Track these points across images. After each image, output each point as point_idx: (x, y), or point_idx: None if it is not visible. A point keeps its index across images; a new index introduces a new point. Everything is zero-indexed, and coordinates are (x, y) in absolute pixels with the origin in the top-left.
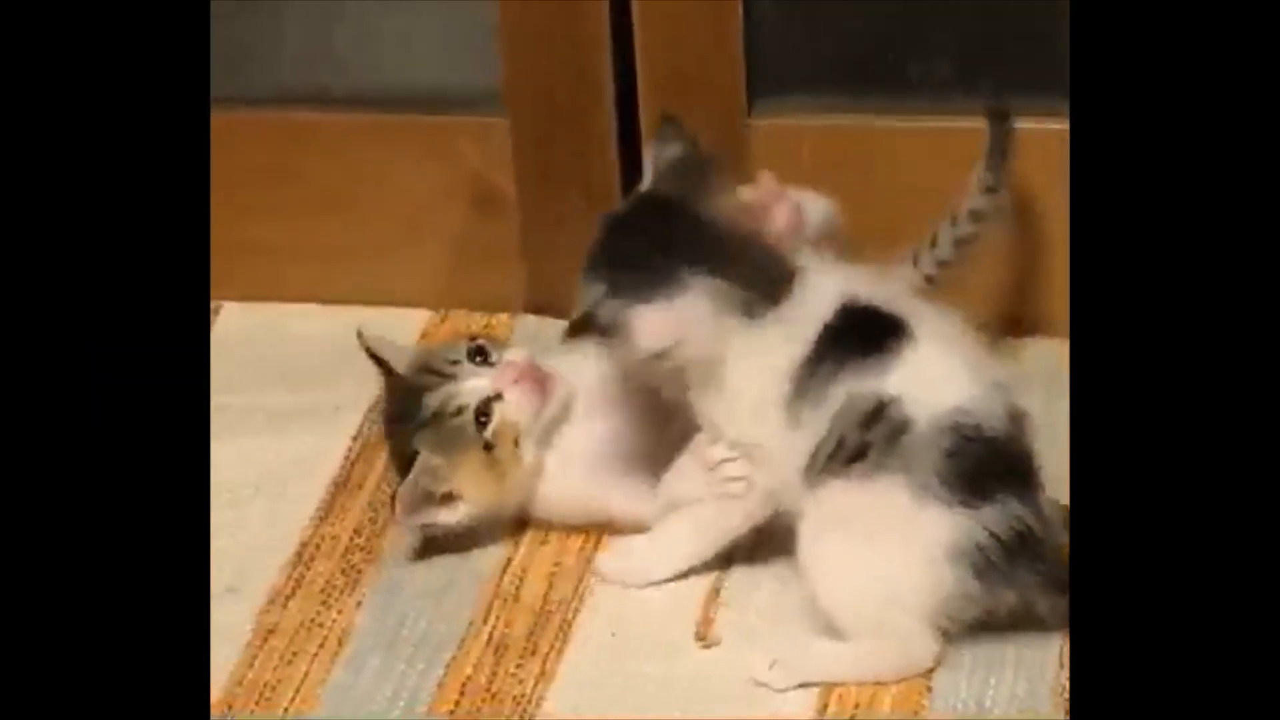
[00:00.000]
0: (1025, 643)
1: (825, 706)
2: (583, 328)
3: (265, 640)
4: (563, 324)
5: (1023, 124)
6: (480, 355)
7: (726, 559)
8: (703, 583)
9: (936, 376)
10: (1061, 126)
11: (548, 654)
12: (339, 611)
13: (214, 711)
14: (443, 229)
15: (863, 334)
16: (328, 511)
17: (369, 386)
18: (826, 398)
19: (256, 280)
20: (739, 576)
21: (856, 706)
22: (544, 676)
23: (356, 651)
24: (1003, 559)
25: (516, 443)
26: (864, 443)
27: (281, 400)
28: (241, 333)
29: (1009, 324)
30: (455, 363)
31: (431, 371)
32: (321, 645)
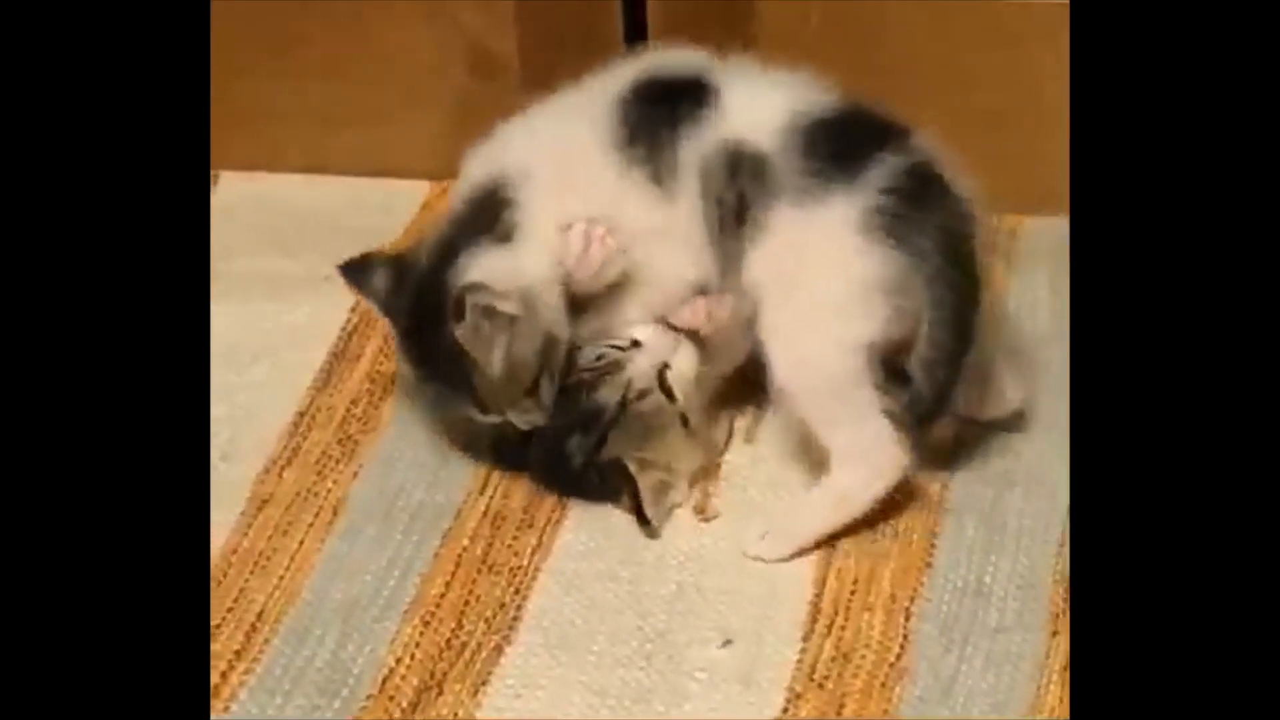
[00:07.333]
0: (1026, 521)
1: (824, 581)
2: None
3: (260, 509)
4: None
5: None
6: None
7: (726, 436)
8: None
9: (759, 102)
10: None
11: (544, 526)
12: (334, 481)
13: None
14: (444, 97)
15: (672, 99)
16: (325, 381)
17: None
18: (679, 162)
19: (256, 149)
20: (739, 452)
21: (855, 582)
22: (540, 549)
23: (352, 522)
24: (909, 205)
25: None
26: (739, 194)
27: (280, 269)
28: (241, 201)
29: (1015, 201)
30: (600, 358)
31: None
32: (317, 515)
